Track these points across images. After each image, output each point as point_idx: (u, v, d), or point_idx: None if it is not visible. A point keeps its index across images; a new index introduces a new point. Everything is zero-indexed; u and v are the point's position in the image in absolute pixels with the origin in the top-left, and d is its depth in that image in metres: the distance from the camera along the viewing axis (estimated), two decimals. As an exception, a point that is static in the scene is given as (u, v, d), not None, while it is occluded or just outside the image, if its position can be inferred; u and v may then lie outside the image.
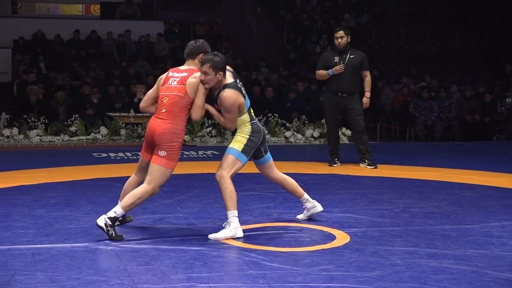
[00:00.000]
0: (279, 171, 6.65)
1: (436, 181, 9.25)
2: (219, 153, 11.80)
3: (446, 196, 8.19)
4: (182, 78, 6.17)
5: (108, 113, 14.33)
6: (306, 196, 6.77)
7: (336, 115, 10.31)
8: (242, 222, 6.62)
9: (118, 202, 6.20)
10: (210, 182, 8.88)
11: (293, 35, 22.04)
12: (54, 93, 15.25)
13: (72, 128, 13.84)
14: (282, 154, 11.82)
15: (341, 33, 10.11)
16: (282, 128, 14.44)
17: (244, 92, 6.29)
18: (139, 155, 11.30)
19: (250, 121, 6.32)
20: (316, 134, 14.43)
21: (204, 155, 11.62)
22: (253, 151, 6.30)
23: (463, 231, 6.48)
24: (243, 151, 6.23)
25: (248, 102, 6.35)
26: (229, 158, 6.22)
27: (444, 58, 22.53)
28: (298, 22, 22.68)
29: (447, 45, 23.13)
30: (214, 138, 13.90)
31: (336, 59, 10.11)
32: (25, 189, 8.37)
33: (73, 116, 14.04)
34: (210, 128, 13.96)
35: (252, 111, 6.41)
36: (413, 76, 19.68)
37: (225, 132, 13.96)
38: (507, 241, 6.13)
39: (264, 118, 14.13)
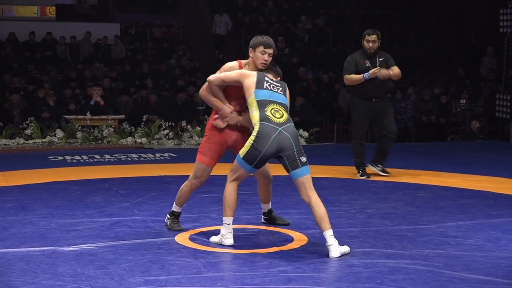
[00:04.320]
0: (310, 194, 5.84)
1: (393, 182, 9.33)
2: (177, 156, 11.79)
3: (402, 196, 8.27)
4: None
5: (64, 116, 14.20)
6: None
7: (367, 122, 9.76)
8: (200, 225, 6.63)
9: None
10: (167, 184, 8.86)
11: (250, 37, 22.06)
12: (9, 96, 15.07)
13: (28, 131, 13.69)
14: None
15: (374, 37, 9.51)
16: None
17: (269, 86, 5.90)
18: (95, 158, 11.31)
19: (259, 121, 5.74)
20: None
21: (161, 158, 11.57)
22: (257, 160, 5.72)
23: (420, 231, 6.55)
24: (244, 157, 5.76)
25: (263, 95, 5.82)
26: (234, 163, 5.88)
27: (401, 60, 22.70)
28: (255, 25, 22.70)
29: (404, 47, 23.34)
30: (171, 140, 13.85)
31: (367, 63, 9.49)
32: (-21, 193, 8.26)
33: (28, 119, 13.89)
34: (168, 131, 13.91)
35: (272, 109, 5.78)
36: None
37: (182, 135, 13.93)
38: (463, 241, 6.20)
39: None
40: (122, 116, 14.52)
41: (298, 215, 7.14)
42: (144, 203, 7.71)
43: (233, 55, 21.64)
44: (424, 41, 23.57)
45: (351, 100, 9.78)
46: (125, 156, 11.64)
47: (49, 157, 11.55)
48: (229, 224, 5.92)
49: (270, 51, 6.21)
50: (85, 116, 14.07)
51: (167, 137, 13.88)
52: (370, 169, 9.71)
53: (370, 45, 9.48)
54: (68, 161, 11.19)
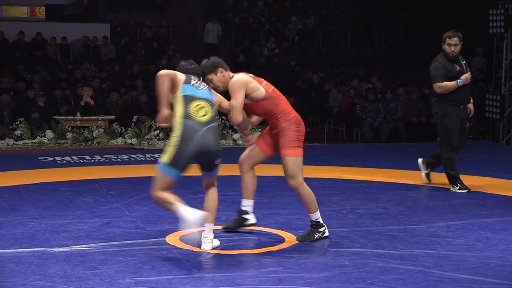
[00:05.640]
0: (214, 186, 5.96)
1: (383, 182, 9.34)
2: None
3: (392, 197, 8.28)
4: None
5: (54, 117, 14.17)
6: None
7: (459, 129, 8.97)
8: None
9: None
10: (158, 185, 8.84)
11: (241, 37, 22.08)
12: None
13: (17, 132, 13.64)
14: (230, 156, 11.80)
15: (456, 39, 8.81)
16: (230, 130, 14.44)
17: (196, 83, 5.81)
18: (86, 159, 11.28)
19: (182, 118, 5.63)
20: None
21: (151, 158, 11.54)
22: (186, 162, 5.62)
23: (410, 231, 6.56)
24: (171, 163, 5.61)
25: (189, 90, 5.73)
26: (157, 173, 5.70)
27: (390, 60, 22.77)
28: (246, 25, 22.71)
29: (394, 47, 23.40)
30: (161, 141, 13.83)
31: (457, 67, 8.83)
32: (-31, 194, 8.24)
33: (18, 119, 13.84)
34: (158, 131, 13.89)
35: (196, 106, 5.68)
36: (360, 78, 19.85)
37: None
38: (453, 241, 6.22)
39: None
40: (112, 117, 14.48)
41: (289, 216, 7.15)
42: (134, 204, 7.69)
43: (225, 59, 21.60)
44: (413, 42, 23.63)
45: (441, 107, 8.90)
46: (115, 157, 11.62)
47: (39, 158, 11.52)
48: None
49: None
50: (75, 117, 14.03)
51: (157, 137, 13.86)
52: (419, 165, 9.31)
53: (452, 48, 8.83)
54: (58, 162, 11.16)
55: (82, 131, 13.79)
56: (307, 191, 6.20)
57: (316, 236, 6.18)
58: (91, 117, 14.15)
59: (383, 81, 19.49)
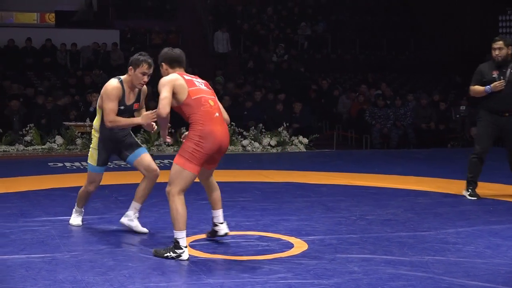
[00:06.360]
0: None
1: (392, 188, 9.33)
2: (176, 162, 11.76)
3: (402, 203, 8.27)
4: (205, 84, 6.17)
5: (63, 122, 14.20)
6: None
7: (492, 137, 8.79)
8: (200, 231, 6.61)
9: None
10: (167, 191, 8.85)
11: (250, 44, 22.11)
12: (8, 102, 15.07)
13: (27, 138, 13.69)
14: (239, 162, 11.85)
15: (499, 43, 8.58)
16: (240, 136, 14.45)
17: None
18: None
19: None
20: (273, 142, 14.45)
21: (161, 164, 11.56)
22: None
23: (419, 238, 6.55)
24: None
25: None
26: None
27: (399, 67, 22.77)
28: (255, 32, 22.74)
29: (402, 54, 23.40)
30: (171, 147, 13.85)
31: (495, 73, 8.62)
32: (-21, 200, 8.25)
33: (28, 125, 13.89)
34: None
35: None
36: (369, 84, 19.85)
37: (182, 142, 13.93)
38: (462, 247, 6.20)
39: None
40: (122, 123, 14.49)
41: (298, 222, 7.14)
42: (143, 210, 7.66)
43: (234, 66, 21.69)
44: (423, 48, 23.63)
45: (479, 111, 8.96)
46: (125, 163, 11.60)
47: (49, 164, 11.55)
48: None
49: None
50: (85, 123, 14.06)
51: (166, 143, 13.88)
52: None
53: (497, 52, 8.59)
54: (67, 167, 11.18)
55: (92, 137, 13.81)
56: (175, 206, 5.81)
57: (168, 254, 5.70)
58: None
59: (392, 87, 19.47)
